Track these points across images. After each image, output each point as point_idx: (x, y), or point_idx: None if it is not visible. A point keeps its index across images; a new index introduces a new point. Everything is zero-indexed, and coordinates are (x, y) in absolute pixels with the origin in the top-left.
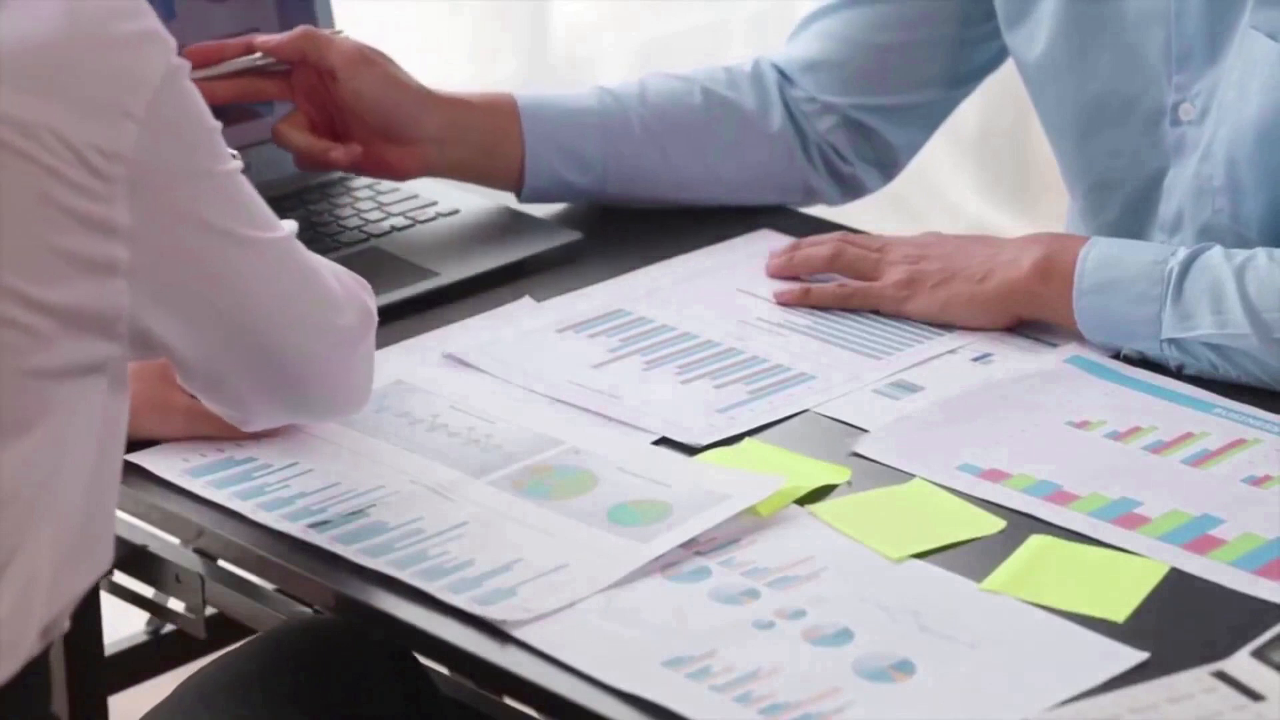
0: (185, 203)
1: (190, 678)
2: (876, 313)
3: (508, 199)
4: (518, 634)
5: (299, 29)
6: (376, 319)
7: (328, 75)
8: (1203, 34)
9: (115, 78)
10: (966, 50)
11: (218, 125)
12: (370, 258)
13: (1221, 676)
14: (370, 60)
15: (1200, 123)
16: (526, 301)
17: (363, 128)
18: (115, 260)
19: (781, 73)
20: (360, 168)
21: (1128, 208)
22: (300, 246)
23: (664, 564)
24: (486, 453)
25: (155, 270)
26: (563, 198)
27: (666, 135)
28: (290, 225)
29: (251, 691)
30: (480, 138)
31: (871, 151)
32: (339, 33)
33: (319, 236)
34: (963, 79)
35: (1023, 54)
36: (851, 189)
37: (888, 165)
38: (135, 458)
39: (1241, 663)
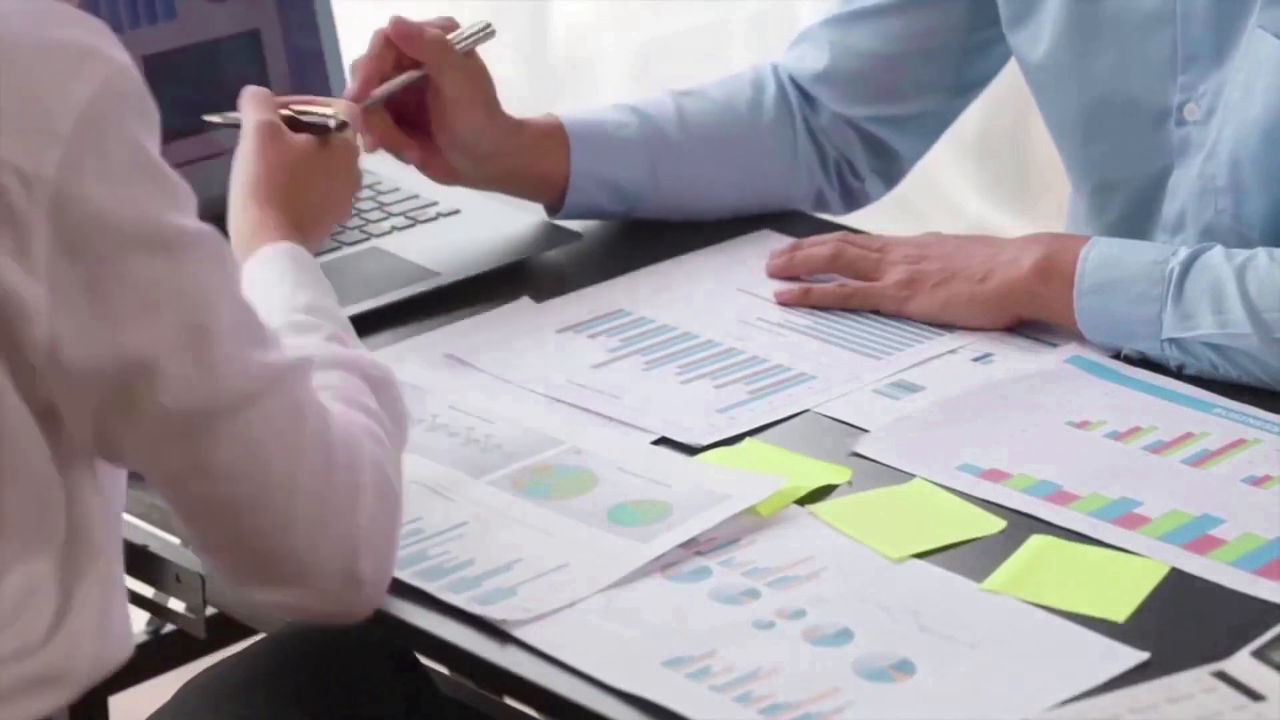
0: (109, 261)
1: (194, 679)
2: (877, 313)
3: (507, 199)
4: (518, 634)
5: (437, 37)
6: (391, 482)
7: (437, 90)
8: (1209, 34)
9: (36, 91)
10: (971, 57)
11: (176, 182)
12: (370, 258)
13: (1221, 676)
14: (481, 98)
15: (1205, 123)
16: (526, 301)
17: (435, 132)
18: (30, 299)
19: (799, 88)
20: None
21: (1131, 207)
22: (298, 375)
23: (664, 564)
24: (486, 453)
25: (79, 323)
26: (590, 218)
27: (702, 163)
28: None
29: (255, 693)
30: (530, 160)
31: (879, 163)
32: (484, 32)
33: None
34: (968, 86)
35: (1026, 54)
36: (858, 201)
37: (892, 175)
38: None
39: (1241, 663)
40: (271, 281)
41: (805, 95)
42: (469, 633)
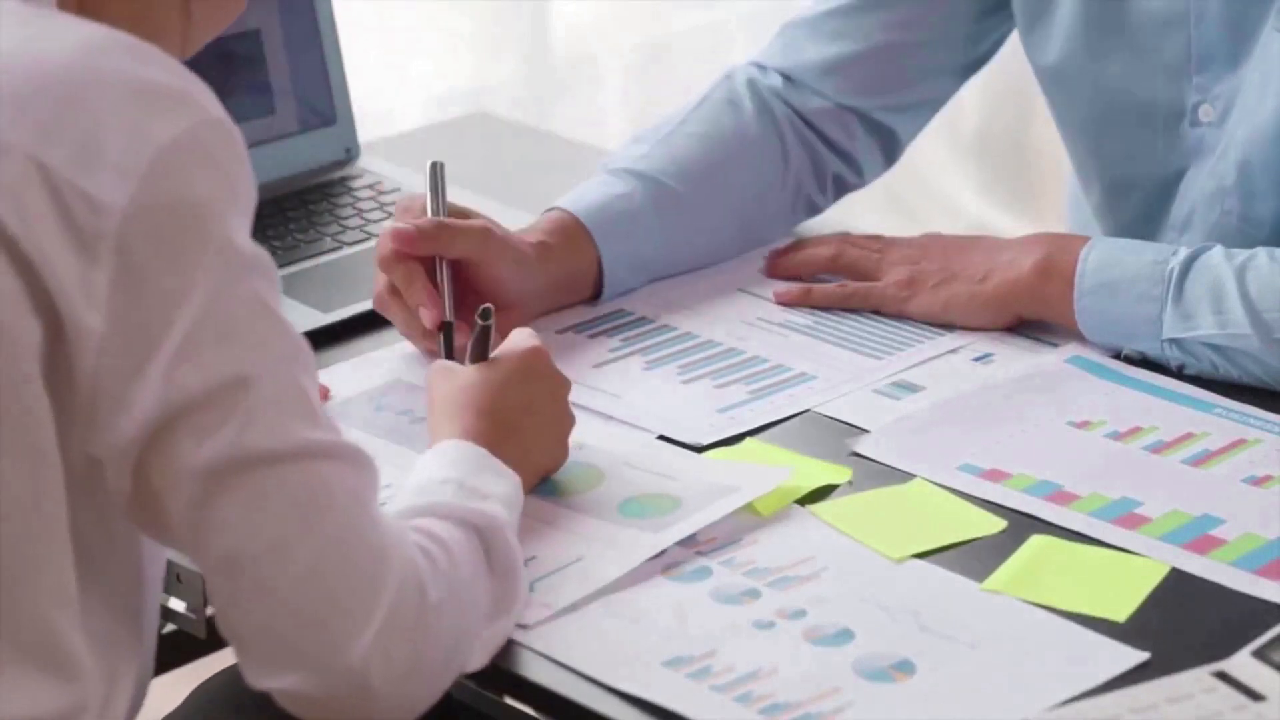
0: (165, 301)
1: (207, 681)
2: (877, 313)
3: (507, 201)
4: (517, 635)
5: (432, 223)
6: (432, 608)
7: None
8: (1224, 36)
9: (122, 124)
10: (976, 41)
11: (260, 254)
12: (371, 258)
13: (1222, 676)
14: (495, 243)
15: (1220, 124)
16: None
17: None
18: (87, 329)
19: (792, 84)
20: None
21: (1144, 207)
22: (338, 460)
23: (665, 564)
24: None
25: (129, 360)
26: (620, 296)
27: (706, 210)
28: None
29: (264, 696)
30: (566, 276)
31: (880, 151)
32: (438, 174)
33: (320, 236)
34: (971, 67)
35: (1039, 55)
36: (847, 190)
37: (890, 159)
38: None
39: (1242, 663)
40: (426, 462)
41: (799, 91)
42: None
